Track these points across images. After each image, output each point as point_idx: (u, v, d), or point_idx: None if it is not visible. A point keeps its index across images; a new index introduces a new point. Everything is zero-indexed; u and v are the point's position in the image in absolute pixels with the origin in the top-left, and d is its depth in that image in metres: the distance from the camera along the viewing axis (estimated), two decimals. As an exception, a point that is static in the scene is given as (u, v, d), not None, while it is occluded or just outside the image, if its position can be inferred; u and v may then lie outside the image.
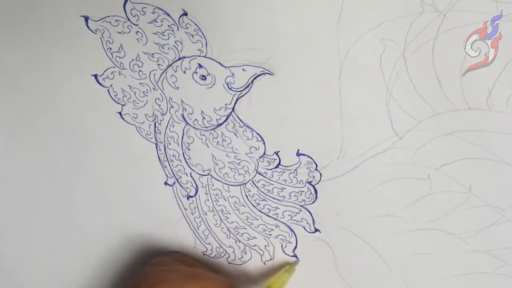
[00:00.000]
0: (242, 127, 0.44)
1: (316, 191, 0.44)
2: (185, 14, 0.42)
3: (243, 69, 0.42)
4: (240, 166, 0.45)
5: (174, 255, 0.48)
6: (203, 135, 0.45)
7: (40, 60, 0.46)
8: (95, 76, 0.45)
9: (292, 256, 0.46)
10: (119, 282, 0.49)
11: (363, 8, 0.39)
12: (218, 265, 0.48)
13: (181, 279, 0.43)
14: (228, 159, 0.45)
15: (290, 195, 0.45)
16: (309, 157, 0.43)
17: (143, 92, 0.45)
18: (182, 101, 0.44)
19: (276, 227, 0.46)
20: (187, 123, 0.45)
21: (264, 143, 0.44)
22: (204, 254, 0.48)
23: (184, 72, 0.44)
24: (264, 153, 0.44)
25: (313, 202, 0.44)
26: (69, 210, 0.49)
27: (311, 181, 0.44)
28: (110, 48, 0.44)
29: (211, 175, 0.46)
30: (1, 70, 0.47)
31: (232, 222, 0.47)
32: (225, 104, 0.44)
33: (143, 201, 0.48)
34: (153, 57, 0.44)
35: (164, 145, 0.46)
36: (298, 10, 0.40)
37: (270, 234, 0.46)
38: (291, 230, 0.46)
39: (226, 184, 0.46)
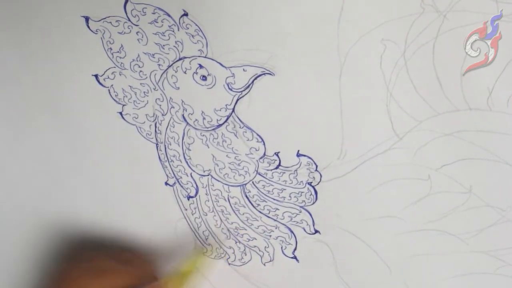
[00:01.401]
0: (242, 127, 0.44)
1: (316, 192, 0.44)
2: (186, 14, 0.42)
3: (243, 70, 0.42)
4: (240, 166, 0.45)
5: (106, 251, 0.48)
6: (203, 135, 0.45)
7: (41, 60, 0.46)
8: (96, 76, 0.45)
9: (292, 257, 0.46)
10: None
11: (364, 9, 0.39)
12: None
13: (87, 275, 0.44)
14: (228, 160, 0.45)
15: (290, 196, 0.45)
16: (309, 157, 0.43)
17: (144, 92, 0.45)
18: (182, 101, 0.45)
19: (276, 228, 0.46)
20: (187, 123, 0.45)
21: (264, 144, 0.44)
22: (204, 255, 0.48)
23: (185, 73, 0.44)
24: (264, 154, 0.44)
25: (313, 203, 0.44)
26: (69, 210, 0.49)
27: (311, 182, 0.44)
28: (111, 49, 0.44)
29: (212, 176, 0.46)
30: (2, 70, 0.47)
31: (232, 223, 0.47)
32: (226, 105, 0.44)
33: (143, 201, 0.48)
34: (154, 57, 0.44)
35: (165, 145, 0.46)
36: (299, 11, 0.40)
37: (270, 235, 0.46)
38: (291, 231, 0.46)
39: (226, 184, 0.46)
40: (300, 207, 0.45)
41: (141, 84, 0.45)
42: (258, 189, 0.45)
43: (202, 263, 0.47)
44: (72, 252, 0.49)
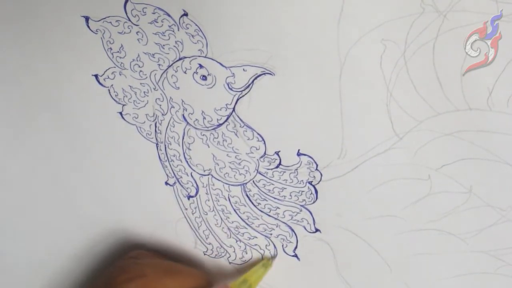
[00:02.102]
0: (242, 127, 0.44)
1: (316, 191, 0.44)
2: (186, 14, 0.42)
3: (243, 69, 0.42)
4: (240, 166, 0.45)
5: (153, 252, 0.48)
6: (203, 135, 0.45)
7: (41, 60, 0.46)
8: (96, 76, 0.45)
9: (293, 256, 0.46)
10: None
11: (364, 9, 0.39)
12: (195, 260, 0.48)
13: (160, 274, 0.43)
14: (228, 159, 0.45)
15: (290, 195, 0.45)
16: (310, 157, 0.43)
17: (144, 92, 0.45)
18: (182, 101, 0.45)
19: (276, 226, 0.46)
20: (187, 123, 0.45)
21: (264, 143, 0.44)
22: (205, 254, 0.48)
23: (185, 72, 0.44)
24: (265, 153, 0.44)
25: (313, 202, 0.44)
26: (69, 210, 0.49)
27: (311, 181, 0.44)
28: (111, 48, 0.44)
29: (212, 175, 0.46)
30: (2, 70, 0.47)
31: (232, 222, 0.47)
32: (226, 104, 0.44)
33: (143, 201, 0.48)
34: (154, 57, 0.44)
35: (165, 145, 0.46)
36: (299, 11, 0.40)
37: (271, 234, 0.46)
38: (292, 230, 0.46)
39: (226, 184, 0.46)
40: (301, 206, 0.45)
41: (141, 84, 0.45)
42: (259, 188, 0.45)
43: (265, 274, 0.47)
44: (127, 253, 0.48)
